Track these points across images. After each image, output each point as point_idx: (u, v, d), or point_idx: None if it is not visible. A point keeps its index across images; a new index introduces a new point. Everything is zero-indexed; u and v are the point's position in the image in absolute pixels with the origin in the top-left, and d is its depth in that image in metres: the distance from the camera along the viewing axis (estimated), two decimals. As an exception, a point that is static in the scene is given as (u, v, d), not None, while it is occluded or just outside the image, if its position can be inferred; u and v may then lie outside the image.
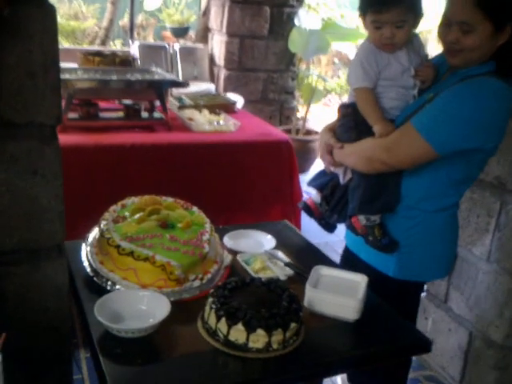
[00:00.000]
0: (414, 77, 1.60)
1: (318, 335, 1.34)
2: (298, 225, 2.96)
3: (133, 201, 1.61)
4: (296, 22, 4.79)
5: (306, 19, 4.89)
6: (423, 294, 2.43)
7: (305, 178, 2.98)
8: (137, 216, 1.52)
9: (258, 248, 1.72)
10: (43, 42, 1.14)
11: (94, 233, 1.56)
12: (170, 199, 1.65)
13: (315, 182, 1.88)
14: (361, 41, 1.67)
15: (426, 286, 2.40)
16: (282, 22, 4.84)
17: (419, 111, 1.52)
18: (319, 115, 6.86)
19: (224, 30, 4.81)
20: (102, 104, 2.90)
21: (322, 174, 1.88)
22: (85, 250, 1.50)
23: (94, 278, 1.41)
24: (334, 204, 1.79)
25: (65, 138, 2.45)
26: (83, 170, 2.38)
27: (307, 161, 4.84)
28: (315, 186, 1.88)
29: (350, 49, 6.56)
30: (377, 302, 1.49)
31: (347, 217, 1.68)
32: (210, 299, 1.29)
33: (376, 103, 1.59)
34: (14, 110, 1.15)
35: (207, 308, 1.29)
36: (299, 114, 5.35)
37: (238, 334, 1.22)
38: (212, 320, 1.26)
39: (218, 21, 4.95)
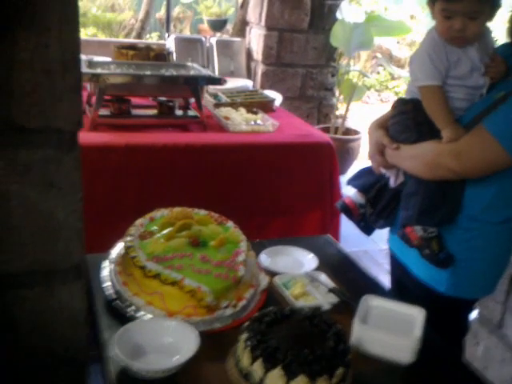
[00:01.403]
0: (484, 75, 1.41)
1: (366, 380, 1.16)
2: (337, 232, 2.78)
3: (162, 213, 1.45)
4: (338, 15, 4.57)
5: (349, 12, 4.66)
6: (475, 317, 2.22)
7: (343, 180, 2.80)
8: (165, 232, 1.36)
9: (297, 268, 1.54)
10: (62, 35, 0.98)
11: (118, 248, 1.40)
12: (202, 212, 1.49)
13: (357, 181, 1.71)
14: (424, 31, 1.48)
15: (477, 308, 2.19)
16: (323, 15, 4.63)
17: (491, 112, 1.34)
18: (357, 113, 6.62)
19: (262, 23, 4.63)
20: (135, 100, 2.76)
21: (364, 173, 1.70)
22: (107, 268, 1.35)
23: (116, 302, 1.25)
24: (381, 208, 1.61)
25: (95, 137, 2.34)
26: (112, 171, 2.24)
27: (346, 162, 4.63)
28: (356, 185, 1.70)
29: (392, 43, 6.31)
30: (435, 339, 1.30)
31: (400, 226, 1.51)
32: (245, 335, 1.13)
33: (446, 103, 1.40)
34: (28, 113, 0.99)
35: (241, 345, 1.13)
36: (338, 112, 5.13)
37: (275, 379, 1.05)
38: (246, 360, 1.10)
39: (256, 13, 4.77)
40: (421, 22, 8.56)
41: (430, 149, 1.42)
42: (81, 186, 1.10)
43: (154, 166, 2.34)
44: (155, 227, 1.39)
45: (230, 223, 1.48)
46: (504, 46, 1.49)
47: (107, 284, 1.30)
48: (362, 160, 4.95)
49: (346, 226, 2.69)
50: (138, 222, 1.41)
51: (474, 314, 2.16)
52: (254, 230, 2.45)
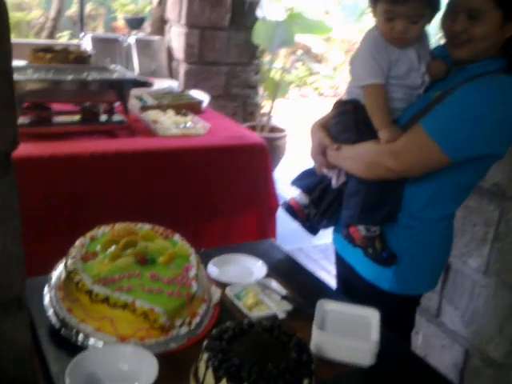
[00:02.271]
0: (425, 73, 1.44)
1: (330, 387, 1.15)
2: (274, 230, 2.78)
3: (103, 231, 1.37)
4: (259, 12, 4.57)
5: (269, 8, 4.67)
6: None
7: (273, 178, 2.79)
8: (109, 251, 1.29)
9: (247, 277, 1.51)
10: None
11: (59, 271, 1.31)
12: (146, 226, 1.42)
13: (301, 182, 1.71)
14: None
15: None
16: (243, 12, 4.61)
17: (428, 112, 1.37)
18: (280, 109, 6.67)
19: (183, 21, 4.55)
20: (56, 106, 2.61)
21: (308, 173, 1.71)
22: (48, 294, 1.26)
23: (62, 330, 1.17)
24: (324, 209, 1.62)
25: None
26: (37, 185, 2.10)
27: (274, 159, 4.62)
28: (300, 186, 1.70)
29: (310, 39, 6.39)
30: (392, 338, 1.31)
31: (344, 226, 1.52)
32: (205, 355, 1.08)
33: (386, 104, 1.42)
34: (-45, 135, 0.90)
35: (202, 365, 1.08)
36: (263, 110, 5.14)
37: (242, 398, 1.02)
38: (209, 381, 1.05)
39: (176, 11, 4.67)
40: (335, 17, 8.78)
41: (369, 149, 1.43)
42: (19, 210, 1.01)
43: (83, 176, 2.22)
44: (98, 246, 1.31)
45: (177, 236, 1.43)
46: (440, 47, 1.53)
47: (50, 312, 1.21)
48: (289, 157, 5.00)
49: (280, 224, 2.70)
50: (79, 242, 1.32)
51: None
52: (192, 237, 2.39)
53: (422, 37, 1.43)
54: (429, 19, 1.38)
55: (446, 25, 1.40)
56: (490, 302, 1.97)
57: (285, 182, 1.73)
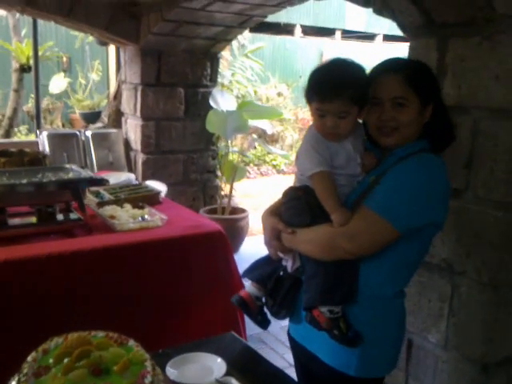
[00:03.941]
0: (359, 165, 1.54)
1: None
2: (242, 316, 2.74)
3: (56, 343, 1.35)
4: (211, 101, 4.75)
5: (221, 98, 4.87)
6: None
7: (236, 258, 2.81)
8: (62, 364, 1.26)
9: (207, 376, 1.50)
10: None
11: (11, 389, 1.27)
12: (100, 334, 1.40)
13: (252, 273, 1.72)
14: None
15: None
16: (197, 102, 4.80)
17: (368, 195, 1.47)
18: (241, 190, 6.79)
19: (138, 113, 4.68)
20: (11, 208, 2.61)
21: (259, 264, 1.73)
22: (-1, 416, 1.22)
23: None
24: (282, 298, 1.63)
25: (-32, 255, 2.15)
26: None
27: (236, 240, 4.68)
28: (253, 277, 1.71)
29: (264, 123, 6.63)
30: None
31: (306, 311, 1.53)
32: None
33: (335, 189, 1.50)
34: None
35: None
36: (223, 192, 5.23)
37: None
38: None
39: (131, 105, 4.82)
40: (287, 99, 9.17)
41: (324, 232, 1.49)
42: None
43: (40, 279, 2.19)
44: (50, 360, 1.29)
45: (132, 342, 1.40)
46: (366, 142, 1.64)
47: None
48: (251, 237, 5.05)
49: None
50: (31, 357, 1.29)
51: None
52: (155, 330, 2.37)
53: (356, 129, 1.54)
54: (358, 114, 1.50)
55: (371, 118, 1.53)
56: (453, 376, 1.99)
57: (249, 262, 1.75)
